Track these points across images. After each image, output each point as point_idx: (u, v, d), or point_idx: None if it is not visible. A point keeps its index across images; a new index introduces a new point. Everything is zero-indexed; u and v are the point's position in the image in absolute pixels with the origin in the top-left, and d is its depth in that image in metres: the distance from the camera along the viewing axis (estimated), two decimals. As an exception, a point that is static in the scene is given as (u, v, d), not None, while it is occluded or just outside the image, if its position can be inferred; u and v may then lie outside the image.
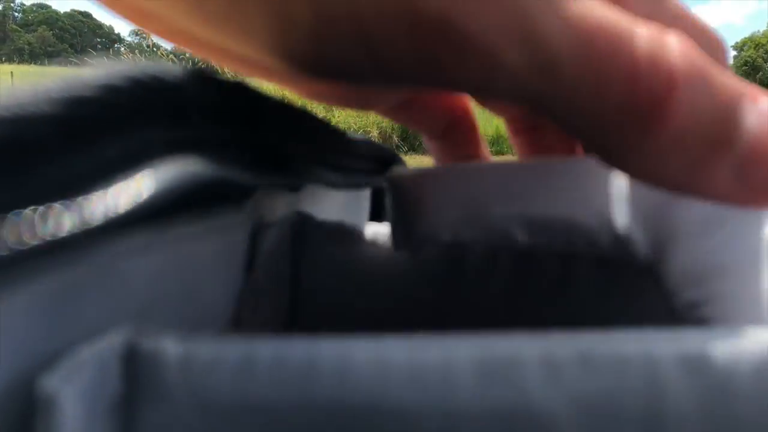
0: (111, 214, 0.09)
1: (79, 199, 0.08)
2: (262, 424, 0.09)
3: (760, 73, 30.58)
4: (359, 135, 0.23)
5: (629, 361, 0.09)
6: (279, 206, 0.19)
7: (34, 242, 0.07)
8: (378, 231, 0.22)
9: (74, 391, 0.08)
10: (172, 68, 0.10)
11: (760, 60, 30.98)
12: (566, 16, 0.11)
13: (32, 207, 0.07)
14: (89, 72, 0.09)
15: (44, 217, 0.08)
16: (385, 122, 6.32)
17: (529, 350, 0.09)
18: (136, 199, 0.09)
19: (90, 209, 0.08)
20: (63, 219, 0.08)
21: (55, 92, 0.08)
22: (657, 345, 0.09)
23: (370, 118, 6.23)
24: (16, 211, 0.07)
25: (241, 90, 0.12)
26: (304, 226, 0.22)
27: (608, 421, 0.09)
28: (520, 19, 0.10)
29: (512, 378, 0.09)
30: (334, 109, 6.46)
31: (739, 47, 32.93)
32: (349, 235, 0.22)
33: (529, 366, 0.09)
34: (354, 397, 0.09)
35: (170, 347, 0.09)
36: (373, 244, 0.21)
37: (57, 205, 0.08)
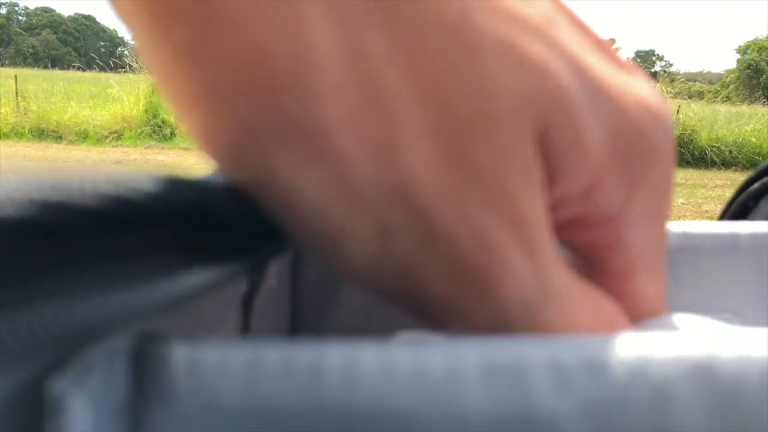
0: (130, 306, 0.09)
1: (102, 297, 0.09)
2: (269, 427, 0.09)
3: (764, 76, 30.53)
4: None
5: (636, 366, 0.09)
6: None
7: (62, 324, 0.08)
8: None
9: (82, 394, 0.08)
10: (203, 181, 0.11)
11: (763, 63, 30.93)
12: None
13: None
14: (137, 175, 0.09)
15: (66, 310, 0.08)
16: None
17: (536, 355, 0.09)
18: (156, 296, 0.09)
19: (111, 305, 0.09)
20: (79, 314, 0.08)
21: (102, 188, 0.08)
22: (664, 350, 0.09)
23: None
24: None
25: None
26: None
27: (615, 427, 0.09)
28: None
29: (519, 382, 0.09)
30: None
31: (743, 50, 32.88)
32: None
33: (536, 370, 0.09)
34: (360, 400, 0.09)
35: (178, 350, 0.10)
36: None
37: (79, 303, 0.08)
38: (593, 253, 0.15)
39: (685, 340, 0.10)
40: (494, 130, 0.12)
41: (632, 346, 0.09)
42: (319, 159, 0.11)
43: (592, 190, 0.14)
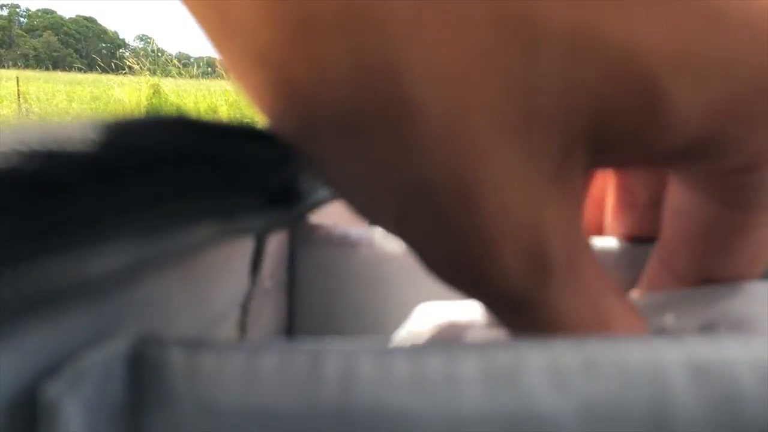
0: (129, 258, 0.09)
1: (100, 240, 0.08)
2: (267, 431, 0.09)
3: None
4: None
5: (635, 368, 0.09)
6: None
7: (51, 284, 0.08)
8: (375, 233, 0.22)
9: (77, 398, 0.08)
10: (204, 117, 0.11)
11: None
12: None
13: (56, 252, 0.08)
14: (123, 117, 0.09)
15: (65, 262, 0.08)
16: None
17: (533, 357, 0.09)
18: (154, 247, 0.09)
19: (108, 253, 0.08)
20: (81, 263, 0.08)
21: (91, 133, 0.08)
22: (662, 351, 0.09)
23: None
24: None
25: (269, 138, 0.13)
26: (300, 230, 0.22)
27: (614, 428, 0.09)
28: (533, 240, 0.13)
29: (517, 384, 0.09)
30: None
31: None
32: (345, 237, 0.22)
33: (534, 372, 0.09)
34: (358, 404, 0.09)
35: (175, 354, 0.09)
36: (369, 245, 0.22)
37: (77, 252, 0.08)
38: (744, 192, 0.14)
39: (684, 341, 0.10)
40: (529, 135, 0.12)
41: (630, 348, 0.09)
42: (355, 157, 0.12)
43: (712, 144, 0.13)
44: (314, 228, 0.22)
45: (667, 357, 0.09)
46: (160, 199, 0.09)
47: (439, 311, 0.18)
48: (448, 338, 0.17)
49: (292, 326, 0.22)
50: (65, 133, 0.08)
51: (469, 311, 0.17)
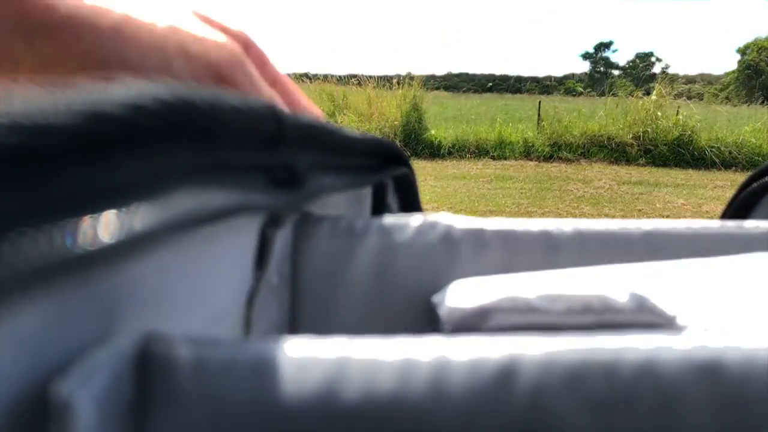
0: (125, 234, 0.09)
1: (96, 214, 0.08)
2: (279, 430, 0.09)
3: (763, 76, 30.54)
4: (361, 132, 0.24)
5: (643, 367, 0.09)
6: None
7: (52, 258, 0.07)
8: (378, 224, 0.22)
9: (88, 396, 0.08)
10: (202, 91, 0.11)
11: (763, 64, 30.94)
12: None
13: (54, 222, 0.08)
14: (118, 88, 0.09)
15: (60, 234, 0.08)
16: (387, 127, 6.32)
17: (550, 357, 0.09)
18: (151, 221, 0.09)
19: (105, 226, 0.08)
20: (80, 235, 0.08)
21: (78, 105, 0.08)
22: (672, 353, 0.09)
23: (373, 124, 6.23)
24: (36, 226, 0.07)
25: (267, 112, 0.12)
26: (304, 223, 0.22)
27: (623, 427, 0.09)
28: None
29: (532, 383, 0.09)
30: (336, 114, 6.46)
31: (742, 51, 32.89)
32: (348, 229, 0.22)
33: (549, 372, 0.09)
34: (378, 402, 0.09)
35: (183, 352, 0.09)
36: (375, 236, 0.21)
37: (71, 223, 0.08)
38: None
39: (692, 340, 0.10)
40: None
41: (640, 349, 0.10)
42: None
43: None
44: (318, 219, 0.21)
45: (676, 358, 0.09)
46: (156, 173, 0.09)
47: (472, 289, 0.18)
48: (476, 322, 0.17)
49: (295, 320, 0.21)
50: (54, 105, 0.08)
51: (500, 289, 0.17)
